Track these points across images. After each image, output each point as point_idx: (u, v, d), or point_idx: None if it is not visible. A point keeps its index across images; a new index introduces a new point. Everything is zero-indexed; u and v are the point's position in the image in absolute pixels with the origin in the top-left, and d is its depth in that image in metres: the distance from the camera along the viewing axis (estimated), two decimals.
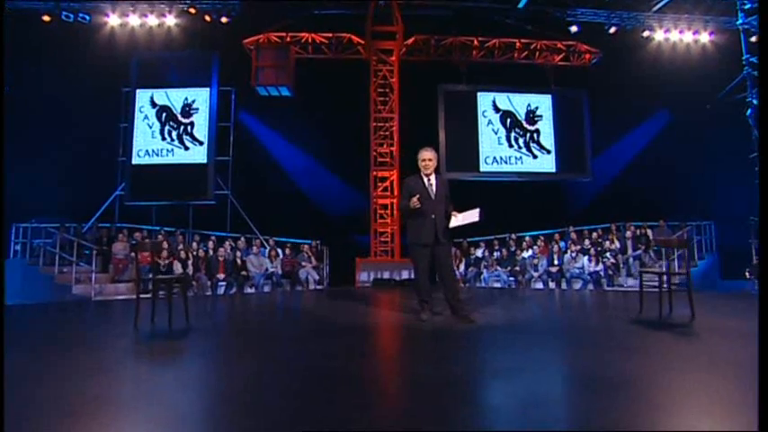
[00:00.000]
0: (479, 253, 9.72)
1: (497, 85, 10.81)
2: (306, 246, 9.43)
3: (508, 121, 10.70)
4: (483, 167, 10.56)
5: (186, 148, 9.96)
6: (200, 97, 10.06)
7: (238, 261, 8.40)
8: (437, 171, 4.48)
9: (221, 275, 8.06)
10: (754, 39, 11.01)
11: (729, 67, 10.99)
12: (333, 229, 10.66)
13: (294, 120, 10.77)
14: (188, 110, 9.96)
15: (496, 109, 10.71)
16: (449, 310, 4.46)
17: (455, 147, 10.33)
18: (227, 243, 9.08)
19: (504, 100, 10.76)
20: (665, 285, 4.40)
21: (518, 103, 10.82)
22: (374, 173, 10.09)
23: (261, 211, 10.22)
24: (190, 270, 7.85)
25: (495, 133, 10.64)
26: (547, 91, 10.92)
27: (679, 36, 10.79)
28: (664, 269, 9.16)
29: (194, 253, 8.24)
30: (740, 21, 10.65)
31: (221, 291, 7.99)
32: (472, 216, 4.33)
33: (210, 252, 8.61)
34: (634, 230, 9.84)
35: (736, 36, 11.01)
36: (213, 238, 9.36)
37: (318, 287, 9.14)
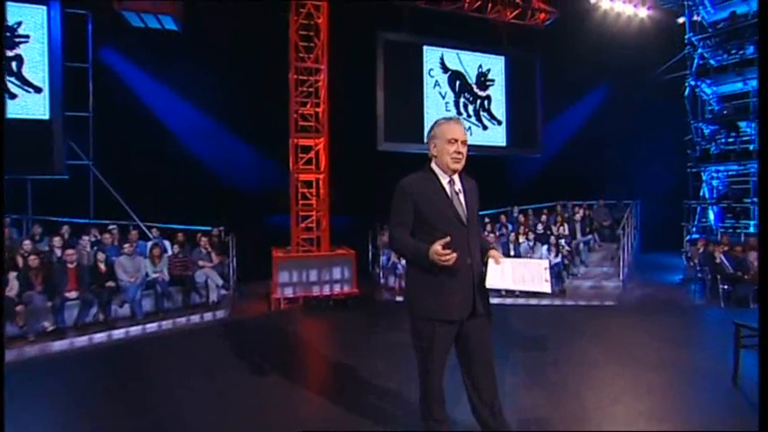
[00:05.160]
0: None
1: (445, 39, 9.04)
2: (204, 238, 7.03)
3: (457, 83, 9.05)
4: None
5: (13, 96, 6.75)
6: (32, 19, 6.81)
7: (101, 266, 5.78)
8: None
9: (72, 293, 5.37)
10: (681, 20, 10.69)
11: (665, 44, 10.66)
12: (240, 211, 8.45)
13: (185, 64, 8.09)
14: (11, 37, 6.66)
15: (445, 68, 8.97)
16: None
17: (396, 111, 8.43)
18: (85, 238, 6.35)
19: (454, 58, 9.05)
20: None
21: (469, 63, 9.19)
22: (295, 140, 7.73)
23: (138, 190, 7.63)
24: (13, 288, 5.07)
25: (443, 97, 8.95)
26: (500, 51, 9.46)
27: (622, 6, 10.06)
28: (620, 247, 8.49)
29: (25, 255, 5.43)
30: None
31: (73, 315, 5.34)
32: (537, 277, 2.09)
33: (57, 253, 5.86)
34: (581, 212, 9.12)
35: (673, 13, 10.61)
36: (64, 230, 6.55)
37: (223, 292, 6.93)
